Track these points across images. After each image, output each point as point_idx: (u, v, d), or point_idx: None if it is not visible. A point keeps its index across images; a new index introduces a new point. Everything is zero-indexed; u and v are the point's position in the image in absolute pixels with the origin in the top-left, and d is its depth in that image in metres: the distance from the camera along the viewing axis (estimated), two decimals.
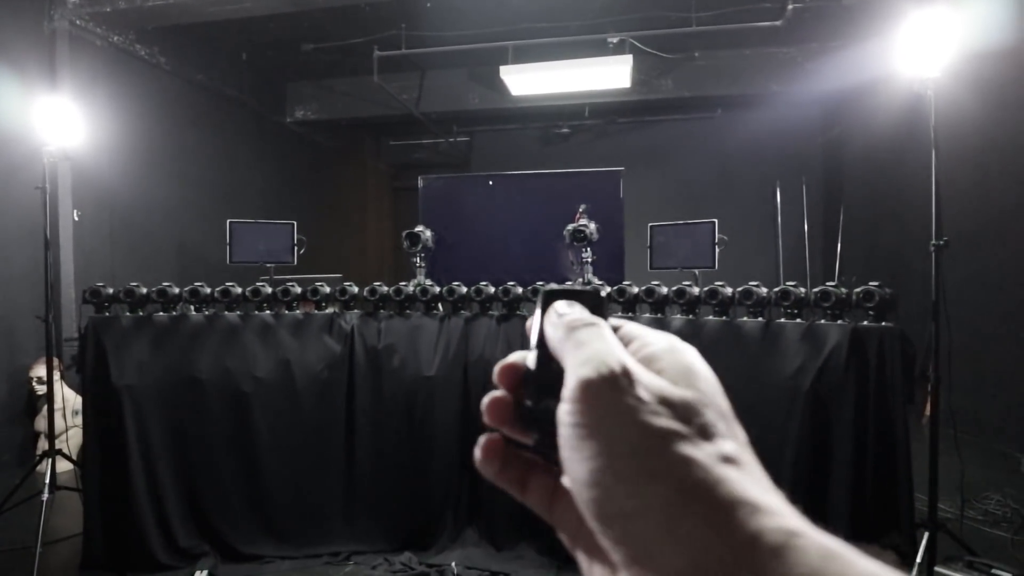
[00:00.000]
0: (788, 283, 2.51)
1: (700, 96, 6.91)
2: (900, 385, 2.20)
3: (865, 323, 2.35)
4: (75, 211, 4.66)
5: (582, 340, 0.29)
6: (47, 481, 2.76)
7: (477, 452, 0.32)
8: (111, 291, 2.93)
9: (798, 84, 6.33)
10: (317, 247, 7.69)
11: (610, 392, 0.27)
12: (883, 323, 2.32)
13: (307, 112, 7.58)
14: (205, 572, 2.77)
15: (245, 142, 6.84)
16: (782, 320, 2.51)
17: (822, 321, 2.42)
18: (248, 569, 2.86)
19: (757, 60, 6.51)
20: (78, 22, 4.72)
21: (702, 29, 5.50)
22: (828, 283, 2.43)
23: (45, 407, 4.25)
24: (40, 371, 4.06)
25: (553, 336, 0.30)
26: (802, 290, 2.48)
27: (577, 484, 0.27)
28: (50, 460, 2.92)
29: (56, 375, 4.29)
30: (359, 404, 3.06)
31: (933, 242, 2.50)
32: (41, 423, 4.24)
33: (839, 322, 2.39)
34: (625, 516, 0.25)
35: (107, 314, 2.96)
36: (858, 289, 2.35)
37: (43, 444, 4.17)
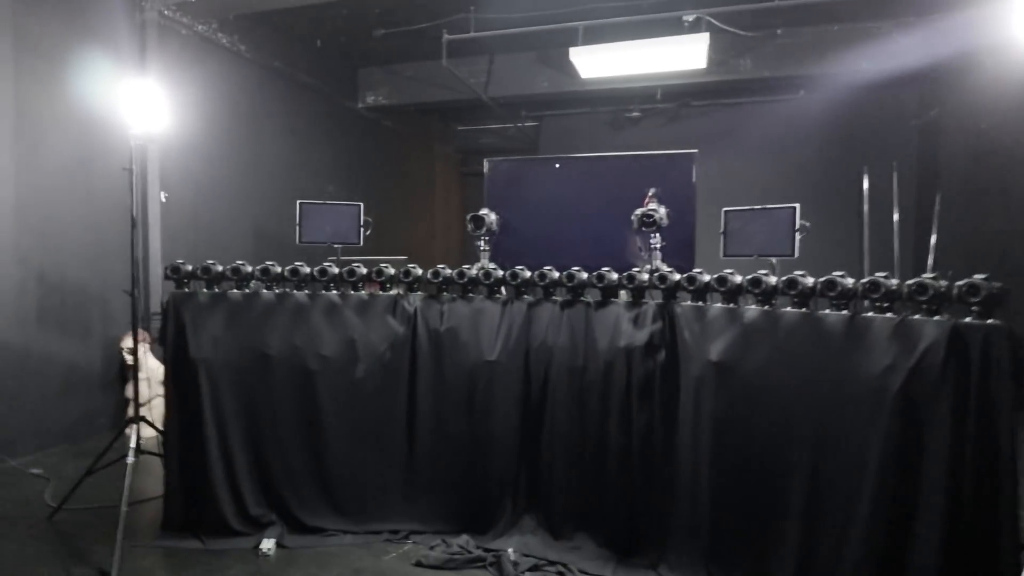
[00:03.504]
0: (879, 274, 2.31)
1: (781, 76, 6.52)
2: (1008, 391, 1.98)
3: (967, 320, 2.13)
4: (162, 192, 4.91)
5: None
6: (132, 446, 2.92)
7: None
8: (190, 268, 3.06)
9: (891, 61, 5.86)
10: (386, 231, 7.84)
11: None
12: (989, 320, 2.10)
13: (378, 97, 7.69)
14: (272, 541, 2.87)
15: (318, 127, 7.02)
16: (869, 314, 2.32)
17: (916, 316, 2.21)
18: (312, 541, 2.94)
19: (846, 36, 6.07)
20: (166, 12, 4.94)
21: (785, 3, 5.17)
22: (925, 275, 2.22)
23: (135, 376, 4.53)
24: (130, 342, 4.31)
25: None
26: (894, 281, 2.28)
27: None
28: (136, 426, 3.09)
29: (144, 347, 4.56)
30: (421, 385, 3.08)
31: None
32: (130, 391, 4.51)
33: (936, 318, 2.18)
34: None
35: (186, 290, 3.09)
36: (960, 282, 2.13)
37: (132, 411, 4.45)
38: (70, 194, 4.35)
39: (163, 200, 4.89)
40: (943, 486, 2.08)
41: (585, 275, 2.97)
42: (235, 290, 3.10)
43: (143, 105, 3.19)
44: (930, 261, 6.43)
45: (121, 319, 4.59)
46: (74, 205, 4.37)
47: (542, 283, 2.99)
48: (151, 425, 3.32)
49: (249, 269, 3.09)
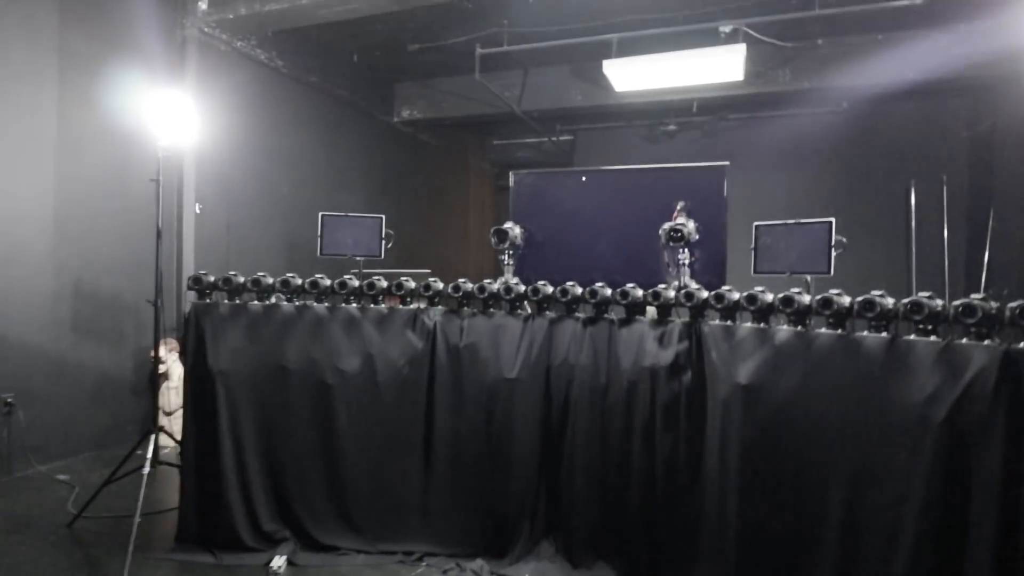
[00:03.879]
0: (922, 294, 2.15)
1: (823, 88, 6.30)
2: None
3: (1022, 345, 1.95)
4: (197, 204, 5.00)
5: None
6: (148, 456, 2.92)
7: None
8: (212, 279, 3.07)
9: (939, 71, 5.59)
10: (419, 245, 7.87)
11: None
12: None
13: (413, 111, 7.75)
14: (284, 558, 2.83)
15: (354, 141, 7.10)
16: (912, 337, 2.15)
17: (964, 340, 2.04)
18: (324, 559, 2.89)
19: (891, 45, 5.83)
20: (206, 29, 5.07)
21: (827, 12, 4.99)
22: (973, 296, 2.05)
23: (163, 385, 4.60)
24: (161, 351, 4.38)
25: None
26: (939, 303, 2.11)
27: None
28: (154, 436, 3.10)
29: (174, 356, 4.62)
30: (439, 402, 3.01)
31: None
32: (160, 399, 4.58)
33: (986, 342, 2.00)
34: None
35: (208, 301, 3.10)
36: (1013, 304, 1.96)
37: (160, 418, 4.51)
38: (107, 205, 4.47)
39: (197, 211, 4.98)
40: (994, 527, 1.90)
41: (609, 291, 2.86)
42: (255, 302, 3.09)
43: (173, 117, 3.24)
44: (983, 280, 6.09)
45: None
46: (111, 216, 4.49)
47: (564, 299, 2.90)
48: (170, 436, 3.34)
49: (270, 281, 3.09)
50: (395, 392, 3.01)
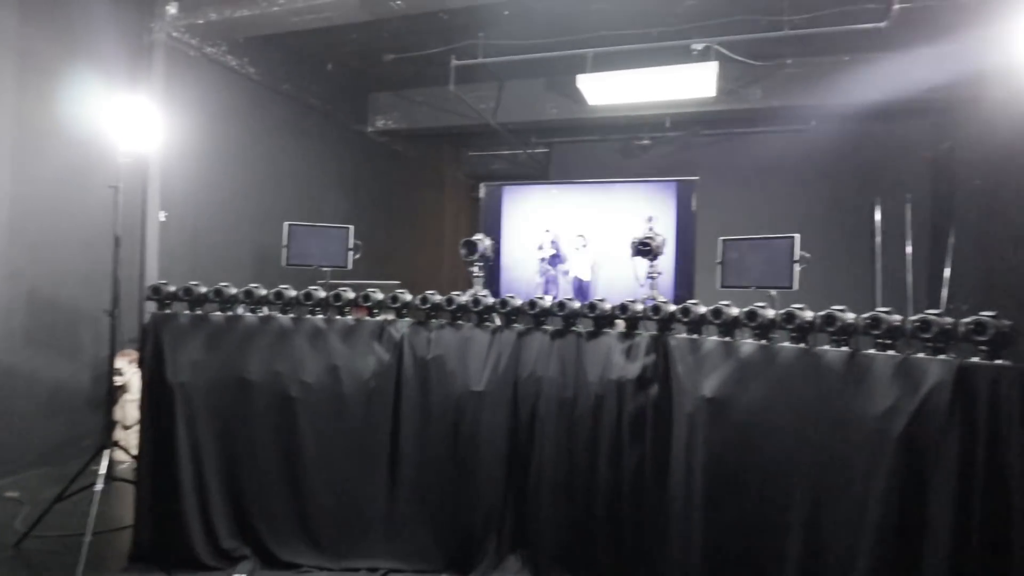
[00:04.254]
0: (880, 309, 2.18)
1: (792, 106, 6.44)
2: (1019, 437, 1.83)
3: (975, 360, 1.99)
4: (162, 212, 4.89)
5: None
6: (101, 472, 2.82)
7: None
8: (172, 289, 2.99)
9: (903, 92, 5.75)
10: (393, 256, 7.80)
11: None
12: (998, 361, 1.95)
13: (387, 121, 7.72)
14: None
15: (327, 150, 7.04)
16: (871, 351, 2.18)
17: (921, 355, 2.07)
18: None
19: (857, 67, 5.98)
20: (174, 34, 4.99)
21: (795, 33, 5.10)
22: (929, 311, 2.08)
23: (122, 398, 4.47)
24: (119, 362, 4.26)
25: None
26: (897, 317, 2.14)
27: None
28: (108, 452, 2.99)
29: (134, 368, 4.50)
30: (405, 416, 2.96)
31: None
32: (118, 412, 4.44)
33: (941, 357, 2.04)
34: None
35: (168, 311, 3.02)
36: (967, 319, 1.99)
37: (118, 432, 4.37)
38: (66, 212, 4.34)
39: (162, 219, 4.88)
40: (949, 536, 1.92)
41: (577, 304, 2.86)
42: (218, 312, 3.02)
43: (136, 122, 3.17)
44: (943, 296, 6.24)
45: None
46: (70, 223, 4.36)
47: (532, 311, 2.89)
48: (125, 450, 3.23)
49: (233, 291, 3.02)
50: (361, 405, 2.96)
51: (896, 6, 4.72)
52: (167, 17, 4.93)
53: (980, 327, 1.97)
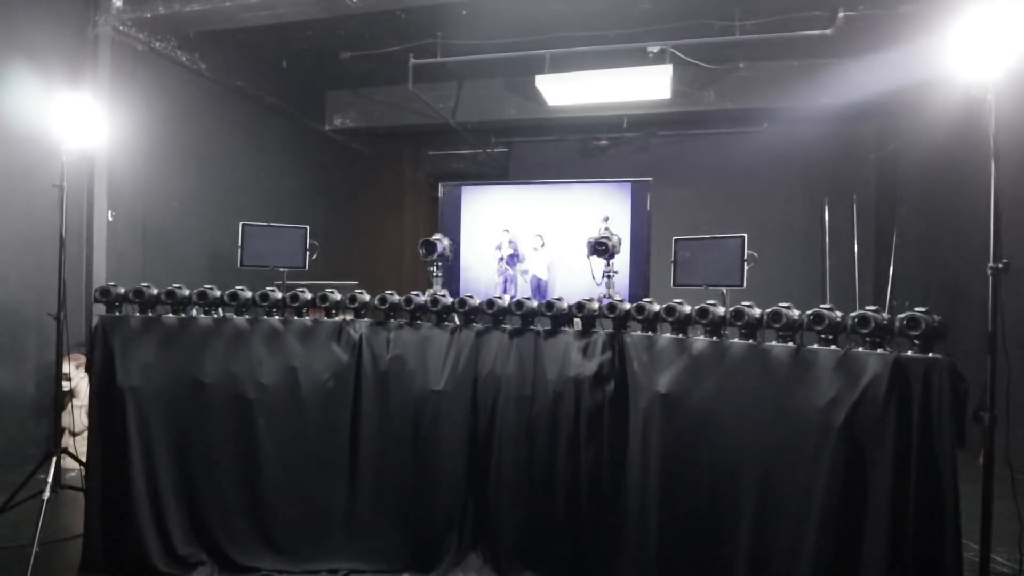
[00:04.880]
0: (823, 306, 2.28)
1: (744, 108, 6.63)
2: (949, 425, 1.95)
3: (909, 353, 2.10)
4: (109, 211, 4.74)
5: None
6: (49, 480, 2.73)
7: None
8: (121, 291, 2.92)
9: (849, 96, 5.99)
10: (352, 256, 7.72)
11: None
12: (930, 354, 2.07)
13: (345, 120, 7.63)
14: None
15: (284, 148, 6.92)
16: (815, 346, 2.28)
17: (860, 349, 2.18)
18: None
19: (805, 71, 6.21)
20: (121, 28, 4.83)
21: (747, 38, 5.27)
22: (868, 307, 2.19)
23: (70, 403, 4.32)
24: (66, 367, 4.11)
25: None
26: (837, 314, 2.25)
27: None
28: (55, 459, 2.90)
29: (82, 372, 4.35)
30: (364, 416, 2.96)
31: (991, 264, 2.25)
32: (65, 419, 4.29)
33: (879, 351, 2.15)
34: None
35: (117, 314, 2.94)
36: (901, 315, 2.11)
37: (65, 439, 4.23)
38: (6, 212, 4.18)
39: (110, 219, 4.73)
40: (887, 522, 2.03)
41: (535, 303, 2.90)
42: (170, 315, 2.96)
43: (78, 121, 3.07)
44: (888, 293, 6.52)
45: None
46: (10, 224, 4.19)
47: (491, 311, 2.92)
48: (74, 458, 3.13)
49: (186, 293, 2.96)
50: (319, 406, 2.94)
51: (841, 14, 4.91)
52: (112, 10, 4.77)
53: (913, 322, 2.08)
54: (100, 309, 2.96)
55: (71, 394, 4.32)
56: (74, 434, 4.28)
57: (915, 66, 5.16)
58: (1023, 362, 3.12)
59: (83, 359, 4.37)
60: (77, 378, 4.31)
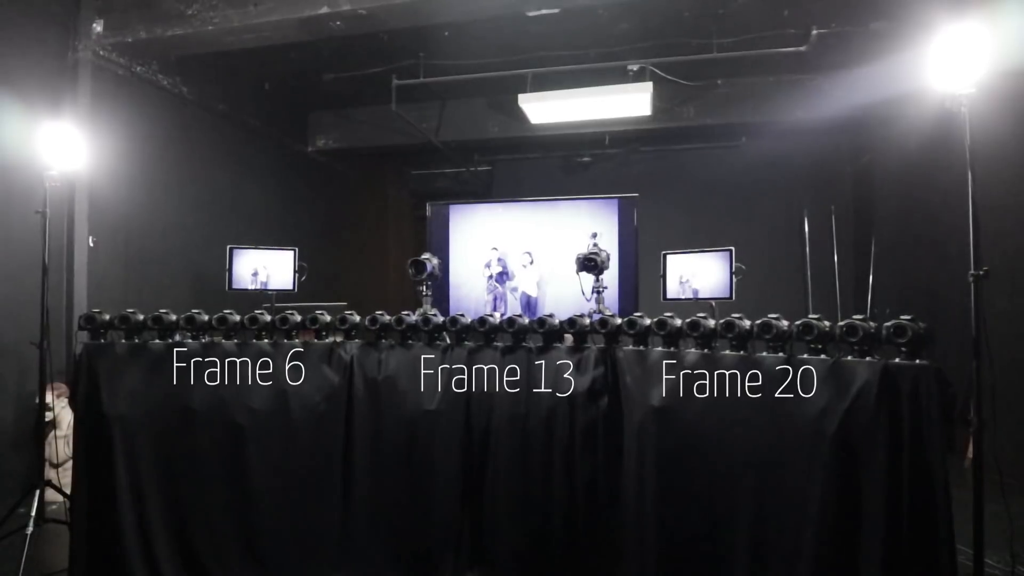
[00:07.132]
0: (812, 316, 2.32)
1: (723, 124, 6.75)
2: (938, 429, 1.98)
3: (897, 360, 2.14)
4: (91, 237, 4.68)
5: None
6: (32, 514, 2.66)
7: None
8: (107, 317, 2.87)
9: (825, 111, 6.13)
10: (339, 277, 7.67)
11: None
12: (917, 361, 2.11)
13: (328, 141, 7.63)
14: None
15: (267, 171, 6.89)
16: (804, 356, 2.31)
17: (848, 358, 2.21)
18: None
19: (782, 87, 6.35)
20: (101, 52, 4.81)
21: (724, 56, 5.38)
22: (856, 316, 2.23)
23: (51, 434, 4.22)
24: (47, 397, 4.02)
25: None
26: (826, 324, 2.28)
27: None
28: (38, 491, 2.83)
29: (63, 402, 4.26)
30: (357, 438, 2.93)
31: (971, 272, 2.30)
32: (47, 449, 4.19)
33: (868, 359, 2.18)
34: None
35: (102, 341, 2.89)
36: (888, 323, 2.15)
37: (46, 471, 4.11)
38: None
39: (91, 245, 4.66)
40: (882, 527, 2.05)
41: (526, 320, 2.90)
42: (157, 341, 2.92)
43: (61, 145, 3.04)
44: (868, 302, 6.63)
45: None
46: None
47: (482, 329, 2.92)
48: (58, 490, 3.05)
49: (173, 318, 2.92)
50: (311, 429, 2.90)
51: (814, 32, 5.04)
52: (93, 35, 4.75)
53: (900, 330, 2.12)
54: (83, 336, 2.91)
55: (52, 424, 4.22)
56: (55, 465, 4.17)
57: (887, 81, 5.31)
58: (1004, 366, 3.19)
59: (64, 388, 4.28)
60: (59, 408, 4.21)
